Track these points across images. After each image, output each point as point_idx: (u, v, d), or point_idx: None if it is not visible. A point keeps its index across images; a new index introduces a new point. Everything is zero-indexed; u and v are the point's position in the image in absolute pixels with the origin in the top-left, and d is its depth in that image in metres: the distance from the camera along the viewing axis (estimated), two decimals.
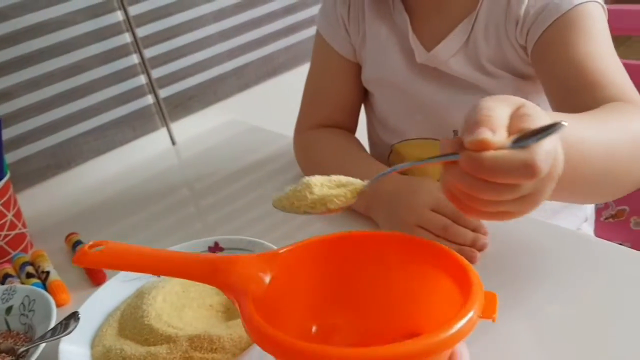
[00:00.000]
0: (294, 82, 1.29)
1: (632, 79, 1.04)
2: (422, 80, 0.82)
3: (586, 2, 0.70)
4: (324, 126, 0.92)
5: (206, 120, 1.22)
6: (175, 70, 1.17)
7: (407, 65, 0.82)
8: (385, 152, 0.91)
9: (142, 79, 1.13)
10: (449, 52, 0.78)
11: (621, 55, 0.76)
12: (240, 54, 1.24)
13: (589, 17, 0.70)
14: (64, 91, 1.06)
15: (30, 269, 0.84)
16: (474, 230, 0.68)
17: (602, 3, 0.73)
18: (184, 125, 1.20)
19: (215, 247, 0.71)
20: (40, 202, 1.04)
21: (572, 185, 0.53)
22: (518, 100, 0.45)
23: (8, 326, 0.70)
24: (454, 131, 0.83)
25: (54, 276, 0.81)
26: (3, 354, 0.65)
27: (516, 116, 0.44)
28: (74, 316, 0.59)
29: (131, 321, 0.61)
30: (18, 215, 0.91)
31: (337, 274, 0.54)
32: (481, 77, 0.78)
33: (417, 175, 0.85)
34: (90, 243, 0.55)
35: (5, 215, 0.88)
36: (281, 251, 0.52)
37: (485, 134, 0.41)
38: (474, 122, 0.42)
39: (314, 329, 0.53)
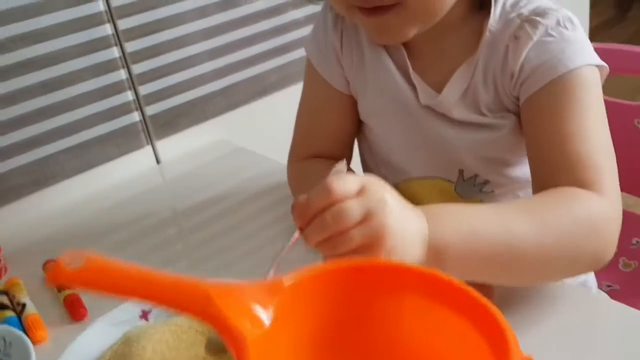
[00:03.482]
0: (284, 103, 1.27)
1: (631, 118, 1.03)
2: (426, 117, 0.79)
3: (583, 66, 0.68)
4: (318, 157, 0.89)
5: (192, 139, 1.18)
6: (164, 87, 1.13)
7: (412, 102, 0.79)
8: None
9: (129, 95, 1.09)
10: (451, 100, 0.76)
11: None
12: (230, 73, 1.20)
13: (584, 85, 0.68)
14: (45, 106, 1.01)
15: (4, 299, 0.79)
16: None
17: (600, 62, 0.70)
18: (169, 144, 1.16)
19: None
20: (15, 221, 0.99)
21: (468, 272, 0.55)
22: (380, 197, 0.52)
23: None
24: (459, 170, 0.81)
25: (30, 309, 0.77)
26: None
27: (369, 215, 0.51)
28: None
29: None
30: None
31: (345, 313, 0.49)
32: (484, 119, 0.76)
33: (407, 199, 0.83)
34: (66, 254, 0.47)
35: None
36: (286, 282, 0.47)
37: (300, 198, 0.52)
38: (330, 212, 0.51)
39: None
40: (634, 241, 1.11)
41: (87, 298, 0.78)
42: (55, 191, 1.05)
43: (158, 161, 1.16)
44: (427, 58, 0.78)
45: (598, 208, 0.62)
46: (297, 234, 0.53)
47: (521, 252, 0.58)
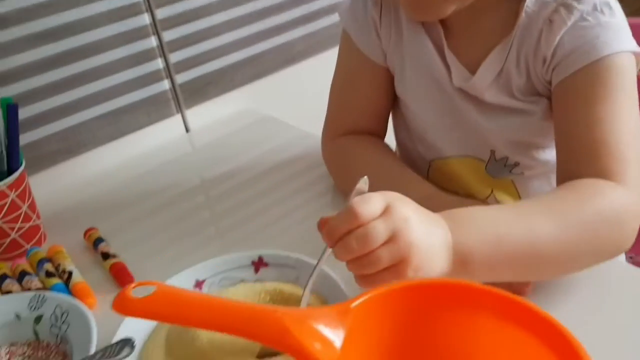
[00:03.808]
0: (311, 71, 1.27)
1: None
2: (460, 98, 0.79)
3: (617, 52, 0.67)
4: (354, 133, 0.88)
5: (221, 108, 1.18)
6: (193, 55, 1.12)
7: (447, 82, 0.79)
8: (421, 166, 0.88)
9: (159, 63, 1.09)
10: (484, 84, 0.76)
11: None
12: (258, 41, 1.20)
13: (617, 73, 0.67)
14: (78, 73, 1.01)
15: (49, 266, 0.79)
16: None
17: (636, 49, 0.69)
18: (198, 113, 1.16)
19: (259, 262, 0.68)
20: (50, 188, 0.99)
21: (494, 274, 0.57)
22: (403, 216, 0.53)
23: (37, 336, 0.67)
24: (491, 151, 0.81)
25: (77, 277, 0.77)
26: None
27: (394, 237, 0.52)
28: (128, 343, 0.56)
29: (179, 343, 0.58)
30: (32, 206, 0.87)
31: (413, 331, 0.49)
32: (517, 102, 0.76)
33: (462, 196, 0.83)
34: (133, 285, 0.48)
35: (20, 207, 0.84)
36: (353, 305, 0.48)
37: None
38: (357, 235, 0.52)
39: None
40: None
41: (133, 266, 0.79)
42: (88, 158, 1.06)
43: (187, 129, 1.16)
44: (463, 37, 0.77)
45: (620, 200, 0.62)
46: (327, 252, 0.54)
47: (545, 252, 0.59)
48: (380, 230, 0.51)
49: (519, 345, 0.46)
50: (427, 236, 0.53)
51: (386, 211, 0.52)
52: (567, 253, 0.60)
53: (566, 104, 0.69)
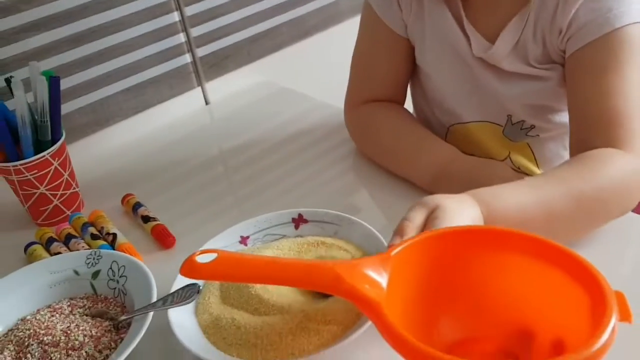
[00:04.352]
0: (325, 44, 1.31)
1: None
2: (479, 66, 0.84)
3: (628, 24, 0.70)
4: (375, 100, 0.93)
5: (239, 80, 1.23)
6: (212, 29, 1.16)
7: (466, 51, 0.84)
8: (439, 131, 0.93)
9: (181, 37, 1.13)
10: (502, 53, 0.80)
11: None
12: (274, 15, 1.24)
13: (628, 45, 0.71)
14: (105, 49, 1.05)
15: (93, 230, 0.84)
16: None
17: None
18: (217, 85, 1.20)
19: (299, 219, 0.73)
20: (81, 159, 1.03)
21: None
22: (434, 203, 0.59)
23: (94, 290, 0.72)
24: (507, 115, 0.86)
25: (122, 239, 0.82)
26: (97, 319, 0.67)
27: (430, 218, 0.58)
28: (193, 287, 0.61)
29: (235, 290, 0.64)
30: (72, 174, 0.91)
31: (449, 273, 0.55)
32: (533, 70, 0.80)
33: (461, 140, 0.89)
34: (198, 252, 0.53)
35: (62, 175, 0.88)
36: (393, 252, 0.53)
37: (395, 241, 0.56)
38: (395, 229, 0.58)
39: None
40: None
41: (174, 226, 0.84)
42: (116, 130, 1.10)
43: (207, 102, 1.21)
44: (481, 9, 0.81)
45: (629, 167, 0.68)
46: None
47: (560, 219, 0.65)
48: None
49: (545, 277, 0.51)
50: (463, 219, 0.59)
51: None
52: (579, 219, 0.66)
53: (579, 75, 0.74)
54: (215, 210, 0.89)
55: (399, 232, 0.57)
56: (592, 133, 0.71)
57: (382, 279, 0.51)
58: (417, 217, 0.58)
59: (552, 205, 0.64)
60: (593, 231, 0.70)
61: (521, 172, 0.88)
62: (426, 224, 0.58)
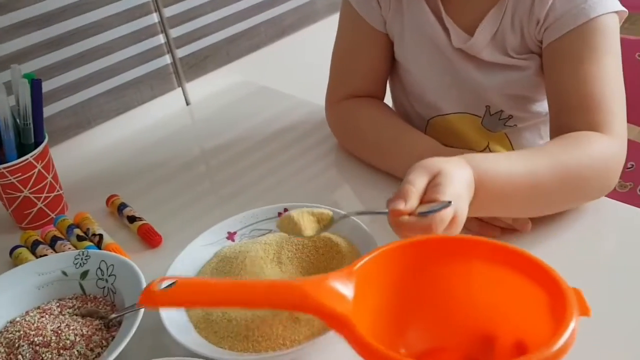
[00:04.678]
0: (302, 43, 1.33)
1: (633, 52, 1.11)
2: (458, 58, 0.86)
3: (602, 14, 0.74)
4: (356, 96, 0.95)
5: (219, 80, 1.23)
6: (191, 30, 1.17)
7: (445, 44, 0.86)
8: (419, 125, 0.94)
9: (160, 39, 1.13)
10: (481, 44, 0.82)
11: (624, 32, 0.83)
12: (251, 15, 1.25)
13: (602, 34, 0.74)
14: (84, 51, 1.05)
15: (78, 231, 0.85)
16: None
17: (620, 8, 0.76)
18: (197, 86, 1.21)
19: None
20: (63, 161, 1.03)
21: (499, 207, 0.68)
22: (436, 167, 0.60)
23: (83, 290, 0.72)
24: (486, 106, 0.88)
25: (108, 239, 0.83)
26: (88, 319, 0.67)
27: (432, 185, 0.58)
28: None
29: None
30: (55, 177, 0.91)
31: (414, 283, 0.54)
32: (512, 60, 0.83)
33: (441, 132, 0.91)
34: (157, 280, 0.50)
35: (46, 178, 0.89)
36: (356, 267, 0.51)
37: (399, 205, 0.57)
38: (396, 193, 0.58)
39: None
40: (629, 165, 1.21)
41: (159, 226, 0.84)
42: (97, 132, 1.10)
43: (188, 102, 1.21)
44: (459, 2, 0.84)
45: (609, 149, 0.71)
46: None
47: (544, 190, 0.67)
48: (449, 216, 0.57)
49: (507, 282, 0.52)
50: (463, 188, 0.60)
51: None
52: (561, 191, 0.69)
53: (557, 64, 0.77)
54: (199, 209, 0.90)
55: (402, 195, 0.57)
56: (572, 118, 0.74)
57: (349, 291, 0.50)
58: (419, 182, 0.59)
59: (539, 176, 0.67)
60: (571, 207, 0.73)
61: None
62: (428, 190, 0.58)
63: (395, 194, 0.58)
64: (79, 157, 1.07)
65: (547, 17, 0.76)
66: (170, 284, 0.50)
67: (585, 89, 0.74)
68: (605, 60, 0.74)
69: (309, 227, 0.64)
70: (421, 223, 0.56)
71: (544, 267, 0.49)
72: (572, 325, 0.43)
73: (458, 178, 0.60)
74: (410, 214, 0.57)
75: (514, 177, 0.66)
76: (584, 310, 0.46)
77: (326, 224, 0.64)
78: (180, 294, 0.49)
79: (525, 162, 0.68)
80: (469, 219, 0.73)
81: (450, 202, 0.57)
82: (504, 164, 0.66)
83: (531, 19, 0.78)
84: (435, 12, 0.85)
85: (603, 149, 0.71)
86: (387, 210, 0.58)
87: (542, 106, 0.87)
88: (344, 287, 0.50)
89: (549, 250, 0.70)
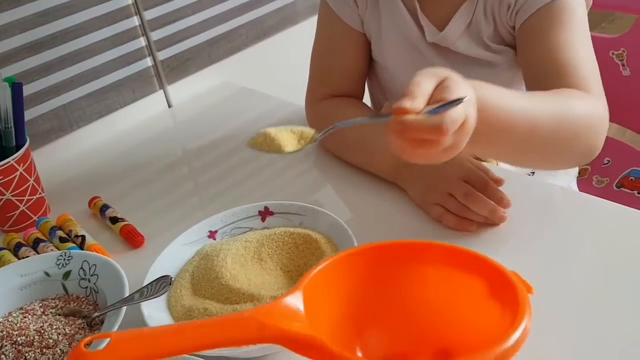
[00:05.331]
0: (283, 44, 1.34)
1: (607, 50, 1.14)
2: (433, 55, 0.88)
3: None
4: (335, 95, 0.96)
5: (200, 82, 1.24)
6: (172, 33, 1.18)
7: (421, 41, 0.88)
8: None
9: (141, 41, 1.14)
10: (455, 34, 0.85)
11: (601, 31, 0.85)
12: (232, 17, 1.25)
13: (570, 8, 0.78)
14: (66, 54, 1.06)
15: (61, 233, 0.85)
16: (497, 202, 0.74)
17: None
18: (179, 88, 1.22)
19: (266, 212, 0.76)
20: (46, 164, 1.04)
21: (495, 143, 0.65)
22: (444, 73, 0.56)
23: (66, 291, 0.73)
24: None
25: (90, 240, 0.83)
26: (70, 318, 0.68)
27: (440, 88, 0.55)
28: (165, 280, 0.63)
29: (205, 282, 0.66)
30: (37, 180, 0.92)
31: (373, 285, 0.54)
32: (486, 53, 0.85)
33: None
34: (85, 339, 0.44)
35: (27, 181, 0.89)
36: (304, 282, 0.51)
37: (405, 103, 0.53)
38: (402, 93, 0.54)
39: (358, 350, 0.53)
40: (605, 160, 1.24)
41: (143, 227, 0.85)
42: (80, 135, 1.11)
43: (169, 105, 1.22)
44: (434, 0, 0.85)
45: (595, 108, 0.73)
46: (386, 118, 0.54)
47: (540, 134, 0.67)
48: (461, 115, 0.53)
49: (457, 280, 0.53)
50: (472, 95, 0.57)
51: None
52: (555, 139, 0.69)
53: (529, 40, 0.80)
54: (182, 210, 0.91)
55: (408, 94, 0.53)
56: (549, 84, 0.75)
57: (300, 308, 0.48)
58: (427, 84, 0.55)
59: (538, 118, 0.66)
60: (558, 163, 0.74)
61: (476, 157, 0.92)
62: (435, 92, 0.55)
63: (402, 94, 0.54)
64: (61, 160, 1.07)
65: (517, 0, 0.79)
66: (105, 344, 0.44)
67: (559, 55, 0.76)
68: (574, 30, 0.78)
69: (289, 143, 0.61)
70: (429, 122, 0.52)
71: (487, 261, 0.52)
72: (528, 302, 0.46)
73: (465, 88, 0.56)
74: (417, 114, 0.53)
75: (515, 115, 0.64)
76: (528, 289, 0.49)
77: (308, 141, 0.61)
78: (117, 351, 0.43)
79: (528, 103, 0.67)
80: (448, 215, 0.75)
81: (461, 99, 0.52)
82: (507, 100, 0.64)
83: (502, 5, 0.81)
84: (410, 10, 0.87)
85: (590, 106, 0.72)
86: (388, 116, 0.54)
87: None
88: (296, 303, 0.48)
89: (525, 245, 0.72)
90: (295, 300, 0.48)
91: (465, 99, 0.53)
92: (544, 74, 0.77)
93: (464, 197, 0.74)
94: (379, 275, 0.55)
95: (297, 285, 0.50)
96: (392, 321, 0.55)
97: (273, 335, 0.45)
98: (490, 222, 0.73)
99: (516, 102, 0.65)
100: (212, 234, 0.74)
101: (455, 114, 0.52)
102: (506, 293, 0.49)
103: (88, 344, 0.44)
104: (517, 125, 0.65)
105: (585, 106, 0.72)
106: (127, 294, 0.65)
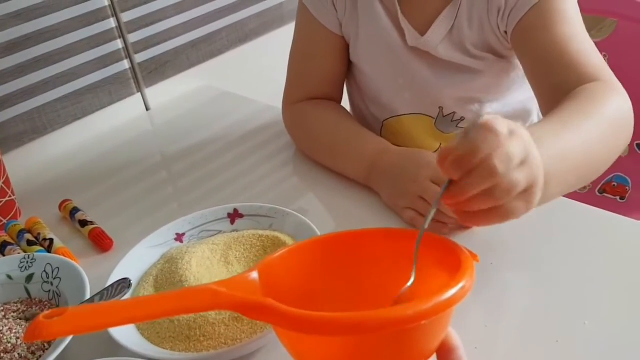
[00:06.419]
0: (264, 48, 1.33)
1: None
2: (412, 59, 0.86)
3: None
4: (312, 98, 0.95)
5: (178, 86, 1.23)
6: (150, 35, 1.16)
7: (400, 44, 0.86)
8: (374, 126, 0.95)
9: (118, 43, 1.12)
10: (436, 39, 0.83)
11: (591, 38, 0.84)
12: (212, 20, 1.24)
13: (563, 2, 0.76)
14: (40, 55, 1.04)
15: (29, 236, 0.84)
16: None
17: None
18: (157, 91, 1.20)
19: (235, 214, 0.74)
20: (18, 167, 1.02)
21: (562, 186, 0.61)
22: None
23: (28, 294, 0.71)
24: (439, 107, 0.89)
25: (58, 243, 0.82)
26: (30, 322, 0.66)
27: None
28: (124, 282, 0.61)
29: (168, 286, 0.64)
30: (7, 182, 0.90)
31: (326, 272, 0.54)
32: (466, 58, 0.84)
33: (397, 133, 0.91)
34: (47, 312, 0.45)
35: None
36: (262, 261, 0.52)
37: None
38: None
39: None
40: None
41: (111, 230, 0.83)
42: (54, 138, 1.09)
43: (147, 107, 1.20)
44: (415, 2, 0.84)
45: (625, 104, 0.71)
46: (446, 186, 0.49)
47: (594, 154, 0.65)
48: (518, 151, 0.48)
49: (410, 260, 0.51)
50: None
51: (512, 131, 0.49)
52: (607, 152, 0.67)
53: (530, 36, 0.77)
54: (158, 215, 0.88)
55: (504, 162, 0.47)
56: (563, 76, 0.73)
57: (253, 275, 0.49)
58: (519, 151, 0.48)
59: (587, 139, 0.63)
60: (609, 163, 0.69)
61: None
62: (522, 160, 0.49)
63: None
64: (35, 163, 1.06)
65: (507, 2, 0.78)
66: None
67: (567, 46, 0.74)
68: (572, 22, 0.76)
69: None
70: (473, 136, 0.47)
71: (434, 236, 0.52)
72: (471, 263, 0.46)
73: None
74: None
75: (567, 154, 0.60)
76: (473, 256, 0.48)
77: None
78: (72, 319, 0.44)
79: (572, 130, 0.63)
80: (420, 218, 0.73)
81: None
82: (555, 144, 0.59)
83: (491, 9, 0.79)
84: (390, 13, 0.86)
85: (619, 103, 0.70)
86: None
87: (491, 107, 0.87)
88: (253, 279, 0.49)
89: (507, 250, 0.70)
90: (251, 277, 0.49)
91: None
92: (554, 68, 0.75)
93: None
94: (334, 262, 0.55)
95: (254, 266, 0.51)
96: (348, 300, 0.53)
97: (226, 302, 0.46)
98: (460, 225, 0.72)
99: (568, 141, 0.61)
100: (179, 237, 0.73)
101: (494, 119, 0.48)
102: (453, 261, 0.48)
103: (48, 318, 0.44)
104: (573, 160, 0.61)
105: (617, 103, 0.70)
106: (87, 297, 0.63)
